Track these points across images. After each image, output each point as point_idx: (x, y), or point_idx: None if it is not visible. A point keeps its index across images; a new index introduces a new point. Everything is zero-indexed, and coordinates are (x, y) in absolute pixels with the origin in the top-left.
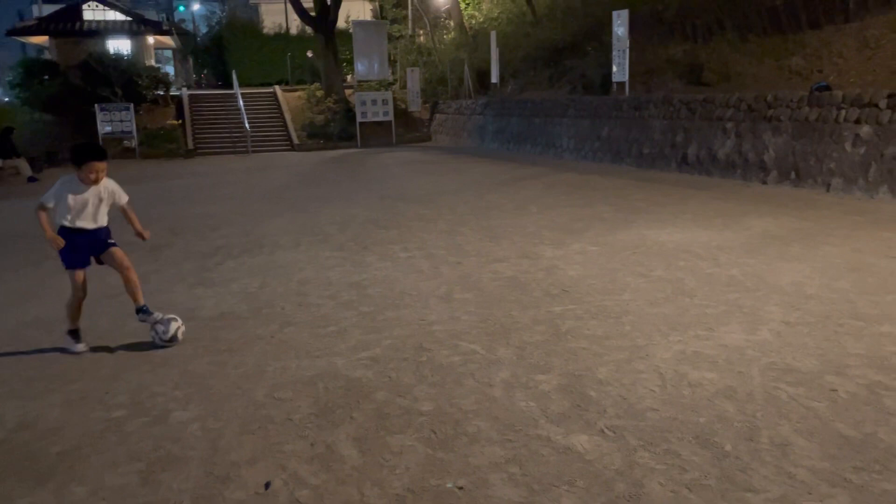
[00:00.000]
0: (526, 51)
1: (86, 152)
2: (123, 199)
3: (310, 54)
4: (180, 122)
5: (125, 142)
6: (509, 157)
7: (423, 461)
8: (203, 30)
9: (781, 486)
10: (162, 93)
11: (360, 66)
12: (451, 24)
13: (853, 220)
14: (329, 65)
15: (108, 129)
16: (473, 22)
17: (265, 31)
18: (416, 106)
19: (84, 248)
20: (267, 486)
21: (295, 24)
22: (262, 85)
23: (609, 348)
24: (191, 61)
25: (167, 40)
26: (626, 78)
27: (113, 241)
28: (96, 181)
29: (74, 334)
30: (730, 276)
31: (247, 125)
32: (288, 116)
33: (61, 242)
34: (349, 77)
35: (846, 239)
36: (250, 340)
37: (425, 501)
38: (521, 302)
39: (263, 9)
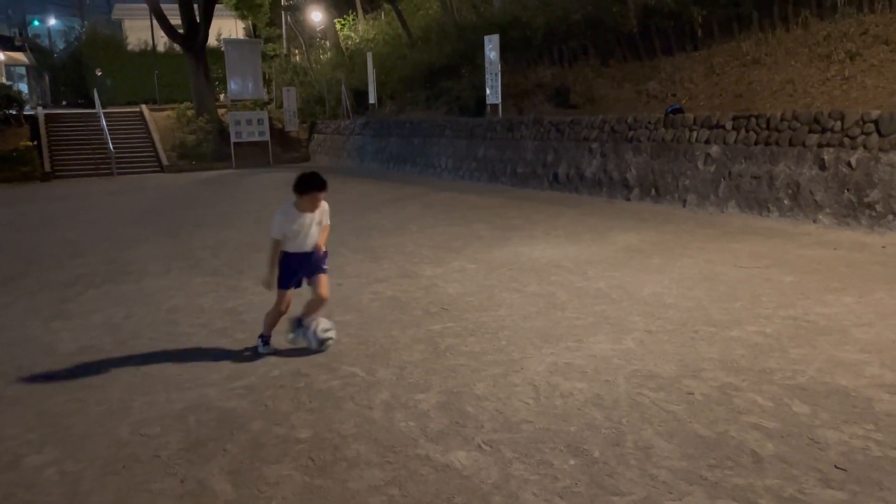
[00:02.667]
0: (402, 72)
1: (311, 183)
2: (327, 221)
3: (99, 72)
4: (35, 143)
5: None
6: (389, 176)
7: (300, 490)
8: (60, 46)
9: (645, 487)
10: (14, 112)
11: (233, 85)
12: (327, 44)
13: (706, 232)
14: (200, 84)
15: None
16: (350, 42)
17: (130, 47)
18: (293, 126)
19: (301, 270)
20: None
21: (163, 41)
22: (128, 104)
23: (486, 363)
24: (47, 79)
25: (20, 56)
26: (499, 100)
27: (326, 268)
28: (316, 209)
29: (266, 339)
30: (597, 289)
31: (111, 146)
32: (156, 137)
33: (272, 288)
34: (222, 96)
35: (700, 251)
36: (114, 375)
37: None
38: (401, 322)
39: (127, 25)
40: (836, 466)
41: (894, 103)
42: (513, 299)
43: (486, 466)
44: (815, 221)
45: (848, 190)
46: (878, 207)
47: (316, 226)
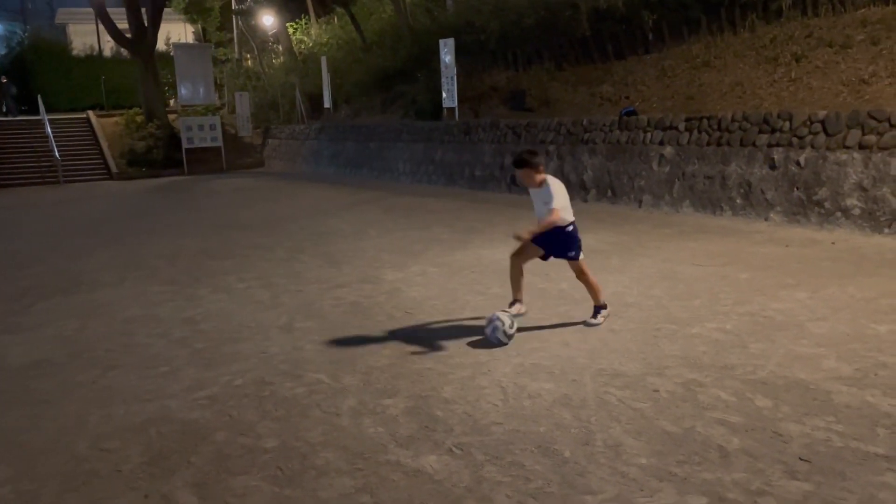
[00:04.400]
0: (358, 76)
1: (514, 161)
2: (551, 205)
3: (4, 80)
4: None
5: None
6: (346, 181)
7: (268, 501)
8: (2, 51)
9: (616, 485)
10: None
11: (183, 91)
12: (280, 48)
13: (662, 232)
14: (149, 89)
15: None
16: (303, 47)
17: (75, 52)
18: (246, 131)
19: (545, 244)
20: None
21: (109, 45)
22: (74, 110)
23: (453, 367)
24: None
25: None
26: (455, 104)
27: (571, 255)
28: (530, 184)
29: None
30: (560, 290)
31: (56, 154)
32: (104, 143)
33: (520, 237)
34: (172, 101)
35: (657, 250)
36: (69, 389)
37: None
38: (364, 327)
39: (72, 29)
40: (800, 458)
41: (839, 103)
42: (477, 302)
43: (457, 470)
44: (766, 219)
45: (797, 188)
46: (827, 205)
47: (540, 202)
